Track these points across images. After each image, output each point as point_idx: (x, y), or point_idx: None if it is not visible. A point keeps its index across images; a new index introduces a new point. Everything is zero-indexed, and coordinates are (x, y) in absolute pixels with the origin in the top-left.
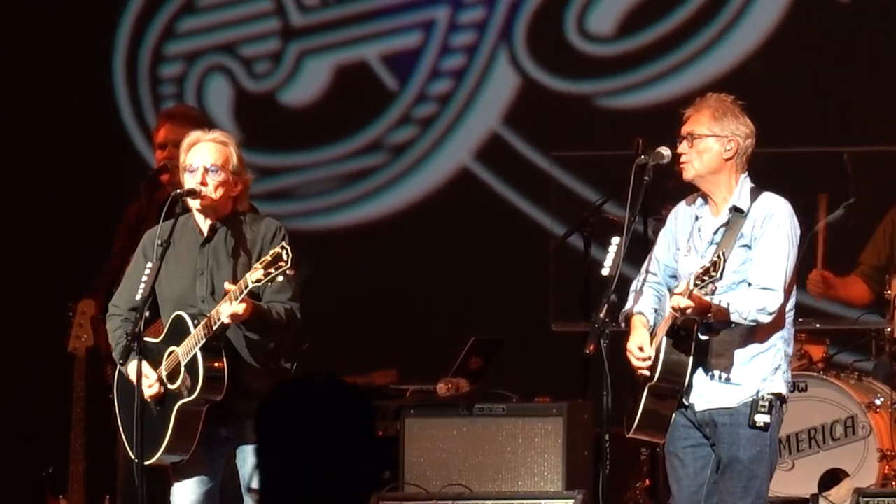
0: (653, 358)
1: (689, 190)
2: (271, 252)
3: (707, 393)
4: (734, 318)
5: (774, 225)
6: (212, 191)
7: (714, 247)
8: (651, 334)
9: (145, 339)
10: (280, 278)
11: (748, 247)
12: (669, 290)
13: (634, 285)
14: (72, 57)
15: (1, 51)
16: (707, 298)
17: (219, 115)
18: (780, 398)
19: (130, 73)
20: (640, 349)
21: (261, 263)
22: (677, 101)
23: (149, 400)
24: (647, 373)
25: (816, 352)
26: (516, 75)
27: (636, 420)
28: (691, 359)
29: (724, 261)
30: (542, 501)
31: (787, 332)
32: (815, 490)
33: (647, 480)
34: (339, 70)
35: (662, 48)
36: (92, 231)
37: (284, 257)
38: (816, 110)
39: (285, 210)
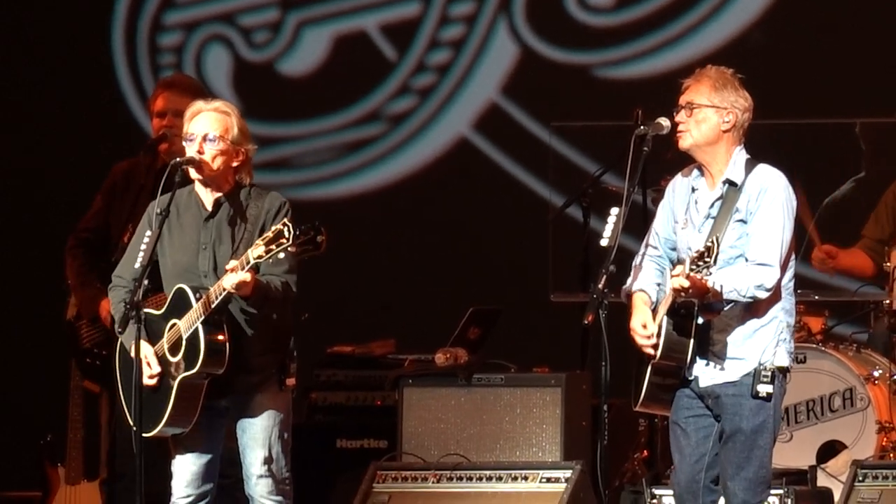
0: (655, 335)
1: (687, 160)
2: (273, 229)
3: (710, 368)
4: (732, 296)
5: (769, 199)
6: (209, 160)
7: (710, 221)
8: (653, 311)
9: (147, 310)
10: (281, 255)
11: (744, 221)
12: (671, 262)
13: (636, 260)
14: (70, 27)
15: (22, 25)
16: (704, 280)
17: (218, 84)
18: (783, 370)
19: (129, 42)
20: (644, 326)
21: (262, 240)
22: (677, 72)
23: (147, 380)
24: (651, 351)
25: (815, 323)
26: (515, 46)
27: (642, 394)
28: (692, 337)
29: (718, 245)
30: (540, 471)
31: (787, 302)
32: (813, 461)
33: (646, 451)
34: (338, 40)
35: (662, 19)
36: (89, 200)
37: (286, 234)
38: (818, 81)
39: (283, 180)
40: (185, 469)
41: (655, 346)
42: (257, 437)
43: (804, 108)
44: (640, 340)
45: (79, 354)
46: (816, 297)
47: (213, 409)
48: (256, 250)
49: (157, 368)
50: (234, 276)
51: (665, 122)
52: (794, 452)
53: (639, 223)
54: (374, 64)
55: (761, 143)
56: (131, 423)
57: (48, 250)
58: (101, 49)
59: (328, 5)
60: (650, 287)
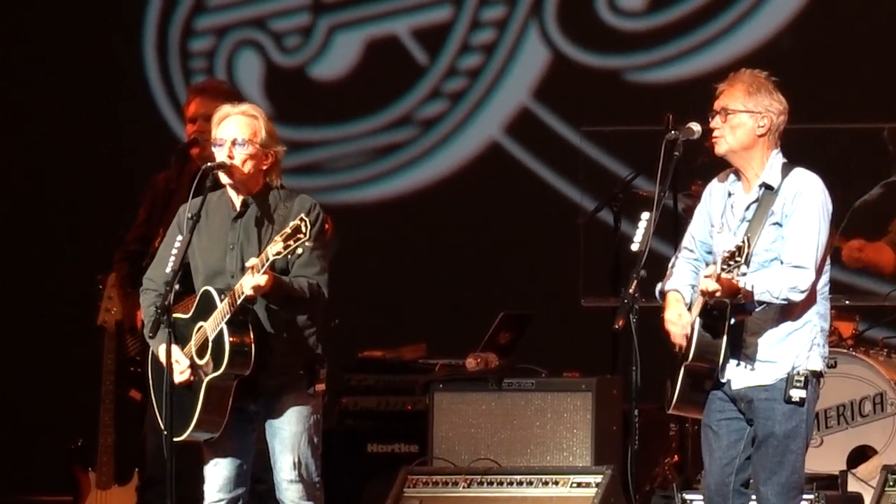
0: (687, 337)
1: (719, 165)
2: (291, 224)
3: (743, 371)
4: (765, 297)
5: (805, 202)
6: (239, 164)
7: (746, 224)
8: (687, 309)
9: (175, 315)
10: (300, 250)
11: (779, 224)
12: (707, 265)
13: (671, 262)
14: (102, 31)
15: (32, 26)
16: (735, 280)
17: (249, 89)
18: (816, 374)
19: (161, 47)
20: (680, 316)
21: (280, 236)
22: (708, 76)
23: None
24: (684, 341)
25: (846, 328)
26: (546, 50)
27: (675, 398)
28: (725, 338)
29: (750, 245)
30: (571, 476)
31: (822, 306)
32: (843, 466)
33: (676, 456)
34: (369, 44)
35: (693, 23)
36: (121, 204)
37: (303, 229)
38: (849, 85)
39: (315, 184)
40: (217, 474)
41: (686, 349)
42: (287, 442)
43: (833, 112)
44: (675, 330)
45: (123, 363)
46: (847, 302)
47: (243, 414)
48: (275, 247)
49: (185, 364)
50: (250, 280)
51: (696, 126)
52: (824, 457)
53: (670, 228)
54: (406, 68)
55: (789, 147)
56: (163, 428)
57: (78, 255)
58: (133, 54)
59: (359, 10)
60: (684, 288)
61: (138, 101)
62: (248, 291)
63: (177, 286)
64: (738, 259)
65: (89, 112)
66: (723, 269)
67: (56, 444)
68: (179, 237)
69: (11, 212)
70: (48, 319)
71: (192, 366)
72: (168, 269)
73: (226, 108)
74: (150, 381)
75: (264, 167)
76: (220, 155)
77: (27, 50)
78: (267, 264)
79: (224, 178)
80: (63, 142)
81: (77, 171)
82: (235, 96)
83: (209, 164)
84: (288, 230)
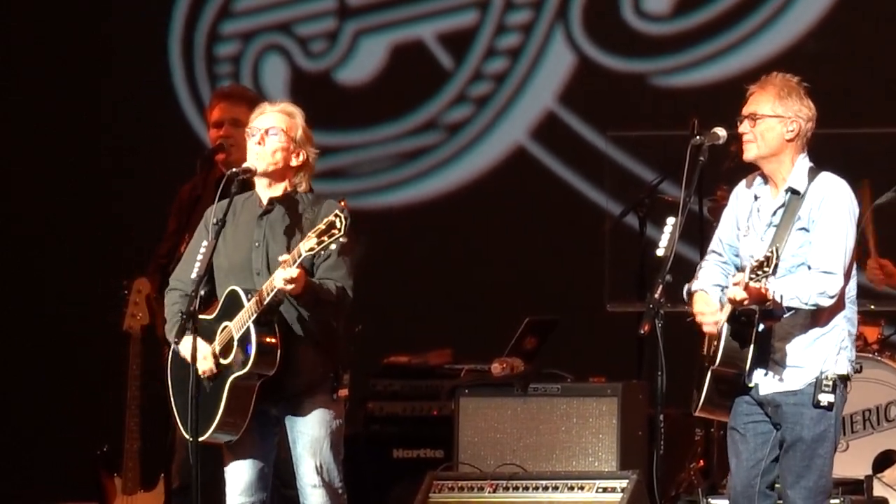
0: (715, 342)
1: (744, 171)
2: (325, 220)
3: (770, 376)
4: (794, 303)
5: (832, 206)
6: (269, 153)
7: (773, 229)
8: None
9: (199, 316)
10: (333, 247)
11: (806, 229)
12: (735, 267)
13: (700, 265)
14: (128, 36)
15: (57, 31)
16: (764, 289)
17: (275, 94)
18: (843, 379)
19: (186, 52)
20: (707, 304)
21: (314, 232)
22: (733, 80)
23: (202, 376)
24: (714, 328)
25: (871, 333)
26: (572, 54)
27: (701, 399)
28: (752, 344)
29: (778, 255)
30: (597, 481)
31: (849, 311)
32: (869, 471)
33: (702, 461)
34: (395, 49)
35: (718, 27)
36: (146, 209)
37: (338, 225)
38: (872, 90)
39: (341, 189)
40: (239, 477)
41: (714, 354)
42: (309, 447)
43: (857, 116)
44: (706, 319)
45: (156, 372)
46: (872, 307)
47: (265, 417)
48: (308, 242)
49: (210, 360)
50: (282, 273)
51: (721, 132)
52: (850, 462)
53: (695, 233)
54: (431, 73)
55: (814, 151)
56: (184, 432)
57: (104, 260)
58: (159, 59)
59: (385, 14)
60: (712, 288)
61: (164, 106)
62: (280, 284)
63: (202, 291)
64: (766, 269)
65: (90, 111)
66: (751, 279)
67: (82, 450)
68: (205, 242)
69: (11, 212)
70: (49, 320)
71: (216, 365)
72: (193, 275)
73: (265, 105)
74: (170, 387)
75: (294, 165)
76: (252, 142)
77: (27, 50)
78: (299, 260)
79: (250, 163)
80: (63, 142)
81: (77, 171)
82: (260, 101)
83: (234, 169)
84: (322, 226)
